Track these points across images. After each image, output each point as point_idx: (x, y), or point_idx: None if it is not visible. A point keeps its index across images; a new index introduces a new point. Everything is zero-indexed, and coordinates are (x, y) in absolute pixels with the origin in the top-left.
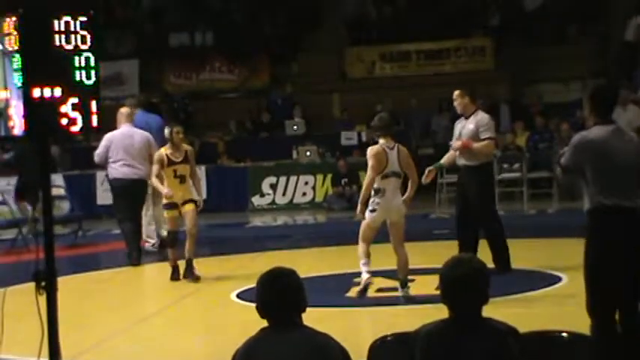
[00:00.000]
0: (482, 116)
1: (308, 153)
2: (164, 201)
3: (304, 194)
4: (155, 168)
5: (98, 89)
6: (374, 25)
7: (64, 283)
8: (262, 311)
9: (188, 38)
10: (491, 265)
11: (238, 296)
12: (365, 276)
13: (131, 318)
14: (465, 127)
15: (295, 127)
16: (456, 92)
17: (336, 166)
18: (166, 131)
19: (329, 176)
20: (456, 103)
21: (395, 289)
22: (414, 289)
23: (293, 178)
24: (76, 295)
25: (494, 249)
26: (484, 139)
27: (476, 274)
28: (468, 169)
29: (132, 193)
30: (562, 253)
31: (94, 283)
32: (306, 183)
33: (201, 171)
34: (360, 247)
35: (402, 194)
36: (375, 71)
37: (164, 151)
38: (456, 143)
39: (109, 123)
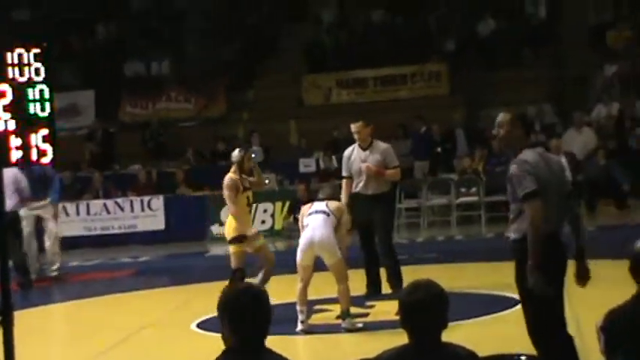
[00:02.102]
0: (385, 145)
1: (266, 181)
2: (232, 234)
3: (263, 222)
4: (231, 195)
5: (53, 121)
6: (330, 52)
7: (19, 318)
8: (232, 331)
9: (144, 68)
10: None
11: (198, 326)
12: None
13: (90, 351)
14: (368, 157)
15: (253, 154)
16: (359, 123)
17: (295, 193)
18: (236, 154)
19: (288, 203)
20: (358, 134)
21: (362, 315)
22: (375, 315)
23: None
24: (32, 329)
25: (391, 274)
26: (394, 167)
27: (434, 298)
28: (374, 197)
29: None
30: None
31: (47, 316)
32: (265, 211)
33: (159, 201)
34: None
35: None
36: (332, 98)
37: (235, 176)
38: (367, 169)
39: (65, 154)
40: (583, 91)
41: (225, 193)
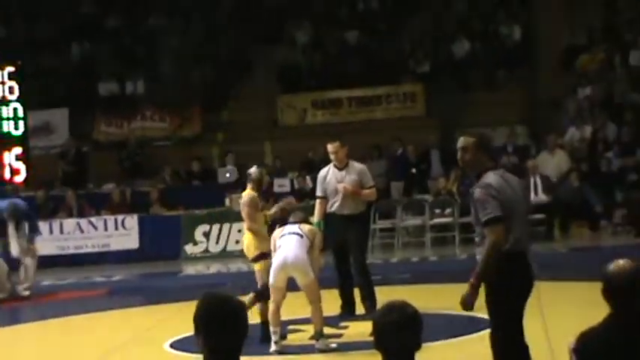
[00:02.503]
0: (361, 166)
1: (241, 200)
2: (254, 252)
3: (237, 242)
4: (251, 212)
5: (26, 139)
6: (305, 73)
7: None
8: (211, 340)
9: (118, 87)
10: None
11: (172, 346)
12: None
13: None
14: (345, 177)
15: (228, 174)
16: (336, 144)
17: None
18: (254, 171)
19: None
20: (335, 154)
21: (336, 336)
22: (349, 336)
23: (226, 226)
24: (1, 350)
25: (365, 295)
26: (370, 187)
27: (408, 319)
28: (350, 217)
29: None
30: None
31: (18, 337)
32: (239, 230)
33: (133, 220)
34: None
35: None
36: (307, 118)
37: (254, 193)
38: (344, 189)
39: (38, 173)
40: (556, 114)
41: (245, 210)
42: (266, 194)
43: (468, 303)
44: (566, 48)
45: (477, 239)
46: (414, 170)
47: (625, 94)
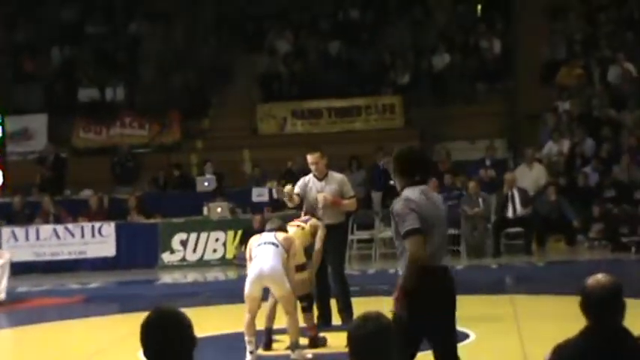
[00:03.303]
0: (340, 176)
1: (219, 209)
2: (297, 262)
3: (215, 251)
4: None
5: (3, 145)
6: (285, 82)
7: None
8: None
9: (98, 93)
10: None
11: None
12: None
13: None
14: (324, 187)
15: (206, 183)
16: (316, 154)
17: (247, 222)
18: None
19: (240, 232)
20: (315, 164)
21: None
22: (325, 346)
23: (204, 235)
24: None
25: (343, 305)
26: (351, 197)
27: (383, 330)
28: (329, 227)
29: None
30: (469, 309)
31: None
32: (217, 239)
33: (110, 227)
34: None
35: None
36: (287, 128)
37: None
38: (324, 199)
39: (15, 178)
40: (535, 128)
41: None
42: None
43: (398, 319)
44: (546, 62)
45: (397, 252)
46: (391, 182)
47: (603, 110)
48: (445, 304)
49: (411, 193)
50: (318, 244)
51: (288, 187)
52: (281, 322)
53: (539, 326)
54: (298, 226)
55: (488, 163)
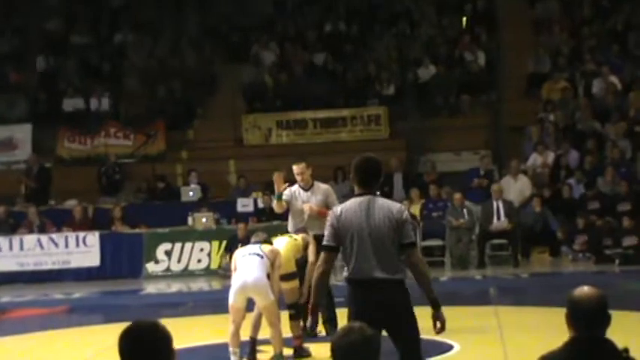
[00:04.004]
0: (326, 187)
1: (204, 219)
2: (286, 271)
3: (199, 261)
4: None
5: None
6: (270, 93)
7: None
8: None
9: (83, 103)
10: None
11: None
12: None
13: None
14: (310, 197)
15: (191, 193)
16: (302, 165)
17: (232, 232)
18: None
19: (224, 243)
20: (301, 175)
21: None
22: (310, 358)
23: (188, 245)
24: None
25: (327, 316)
26: None
27: (366, 341)
28: (314, 238)
29: None
30: (453, 320)
31: None
32: (202, 250)
33: (95, 237)
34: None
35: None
36: (272, 138)
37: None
38: (309, 209)
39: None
40: (520, 140)
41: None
42: None
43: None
44: (530, 75)
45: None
46: (378, 193)
47: (587, 122)
48: (374, 317)
49: (344, 204)
50: (311, 257)
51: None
52: (266, 332)
53: (524, 338)
54: (291, 236)
55: (482, 172)
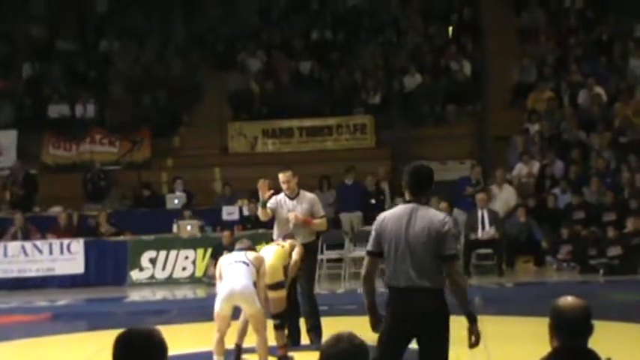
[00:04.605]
0: (312, 195)
1: (189, 227)
2: (273, 280)
3: (184, 269)
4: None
5: None
6: (256, 101)
7: None
8: None
9: (68, 110)
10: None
11: None
12: None
13: None
14: (296, 206)
15: (176, 200)
16: (288, 173)
17: (217, 240)
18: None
19: (210, 250)
20: (287, 183)
21: None
22: None
23: (173, 253)
24: None
25: (312, 325)
26: (322, 217)
27: (354, 349)
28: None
29: None
30: None
31: None
32: (187, 257)
33: (79, 244)
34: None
35: None
36: (257, 146)
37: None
38: (295, 218)
39: None
40: (505, 149)
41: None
42: None
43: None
44: (516, 84)
45: None
46: (372, 201)
47: (572, 132)
48: (407, 325)
49: (389, 211)
50: (295, 257)
51: (263, 180)
52: (251, 340)
53: (508, 347)
54: (278, 244)
55: (473, 181)
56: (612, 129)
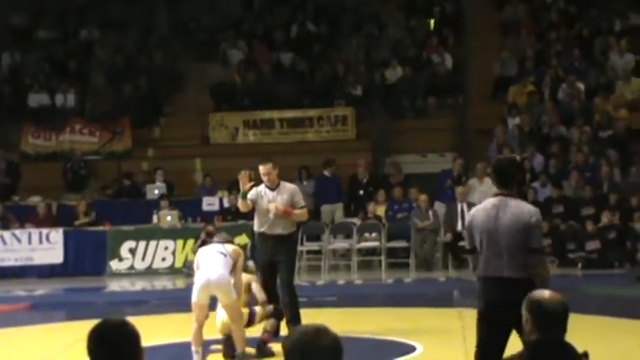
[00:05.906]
0: (292, 186)
1: (169, 218)
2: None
3: (164, 259)
4: None
5: None
6: (238, 92)
7: None
8: None
9: (48, 99)
10: (349, 332)
11: None
12: None
13: None
14: (276, 197)
15: (156, 191)
16: (268, 165)
17: (197, 231)
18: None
19: (190, 241)
20: (267, 175)
21: (258, 356)
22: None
23: (153, 243)
24: None
25: (291, 316)
26: (302, 207)
27: (331, 343)
28: (280, 238)
29: None
30: (417, 322)
31: None
32: (166, 248)
33: (58, 234)
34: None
35: None
36: (238, 137)
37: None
38: (275, 209)
39: None
40: (485, 142)
41: None
42: None
43: None
44: (497, 78)
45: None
46: (361, 192)
47: (552, 127)
48: (500, 315)
49: (479, 205)
50: (260, 296)
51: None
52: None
53: None
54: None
55: (455, 174)
56: (592, 123)
